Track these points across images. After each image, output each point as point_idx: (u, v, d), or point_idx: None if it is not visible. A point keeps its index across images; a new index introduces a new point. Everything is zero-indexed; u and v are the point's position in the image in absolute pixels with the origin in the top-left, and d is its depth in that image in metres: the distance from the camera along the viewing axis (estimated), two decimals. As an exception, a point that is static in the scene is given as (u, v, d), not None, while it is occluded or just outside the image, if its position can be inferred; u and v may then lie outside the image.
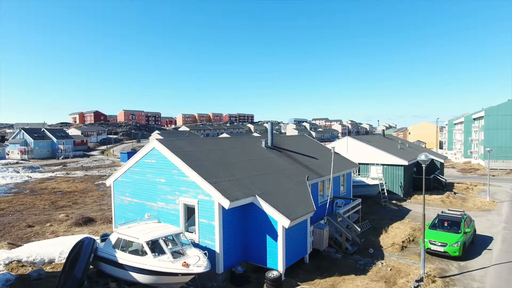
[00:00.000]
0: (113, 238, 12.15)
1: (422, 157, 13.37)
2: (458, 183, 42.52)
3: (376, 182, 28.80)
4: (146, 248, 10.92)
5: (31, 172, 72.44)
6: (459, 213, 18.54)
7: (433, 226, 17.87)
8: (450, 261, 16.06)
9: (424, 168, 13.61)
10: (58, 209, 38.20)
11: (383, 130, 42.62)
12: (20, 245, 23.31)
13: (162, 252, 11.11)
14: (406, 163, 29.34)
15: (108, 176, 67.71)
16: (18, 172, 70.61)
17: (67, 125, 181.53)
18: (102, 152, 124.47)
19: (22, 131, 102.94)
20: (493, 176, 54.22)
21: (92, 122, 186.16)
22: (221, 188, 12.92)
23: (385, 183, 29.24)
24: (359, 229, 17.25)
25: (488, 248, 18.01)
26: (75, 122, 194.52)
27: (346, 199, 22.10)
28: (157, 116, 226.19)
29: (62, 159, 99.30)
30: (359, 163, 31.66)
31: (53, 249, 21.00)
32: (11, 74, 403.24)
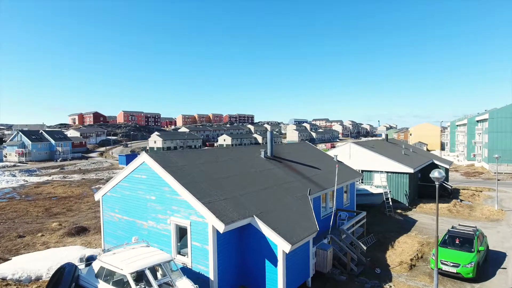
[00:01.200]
0: (95, 266, 11.05)
1: (435, 174, 12.23)
2: (464, 189, 41.35)
3: (380, 190, 27.67)
4: (130, 281, 9.80)
5: (27, 175, 71.32)
6: (471, 228, 17.39)
7: (443, 243, 16.73)
8: (464, 283, 14.92)
9: (437, 186, 12.45)
10: (52, 216, 37.08)
11: (387, 135, 41.42)
12: (8, 259, 22.21)
13: (148, 284, 9.98)
14: (411, 170, 28.20)
15: (106, 180, 66.67)
16: (14, 175, 69.50)
17: (66, 126, 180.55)
18: (101, 154, 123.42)
19: (20, 133, 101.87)
20: (498, 180, 53.03)
21: (92, 123, 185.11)
22: (216, 209, 11.79)
23: (390, 191, 28.09)
24: (364, 248, 16.11)
25: (502, 266, 16.86)
26: (75, 123, 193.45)
27: (350, 212, 20.96)
28: (156, 117, 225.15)
29: (60, 161, 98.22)
30: (362, 170, 30.58)
31: (41, 264, 19.95)
32: (10, 74, 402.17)
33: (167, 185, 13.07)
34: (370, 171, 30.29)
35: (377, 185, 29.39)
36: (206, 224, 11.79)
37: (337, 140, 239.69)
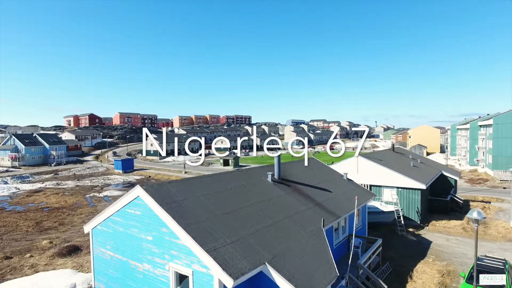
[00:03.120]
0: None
1: (474, 214, 10.65)
2: (472, 200, 39.96)
3: (391, 208, 26.15)
4: None
5: (20, 182, 69.13)
6: (500, 262, 15.85)
7: (470, 279, 15.17)
8: (498, 329, 13.34)
9: (476, 229, 10.87)
10: (43, 232, 35.18)
11: (393, 144, 39.93)
12: (-8, 288, 20.48)
13: None
14: (423, 187, 26.66)
15: (100, 187, 64.69)
16: (6, 183, 67.31)
17: (61, 128, 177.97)
18: (97, 157, 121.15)
19: (13, 137, 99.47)
20: (504, 188, 51.79)
21: (87, 125, 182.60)
22: (222, 259, 10.11)
23: (401, 209, 26.53)
24: (386, 287, 14.49)
25: (536, 305, 15.29)
26: (70, 125, 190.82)
27: (363, 238, 19.37)
28: (153, 119, 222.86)
29: (55, 166, 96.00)
30: (371, 185, 29.07)
31: (26, 296, 18.35)
32: (4, 74, 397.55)
33: (165, 225, 11.37)
34: (379, 186, 28.73)
35: (387, 202, 27.87)
36: (211, 276, 10.11)
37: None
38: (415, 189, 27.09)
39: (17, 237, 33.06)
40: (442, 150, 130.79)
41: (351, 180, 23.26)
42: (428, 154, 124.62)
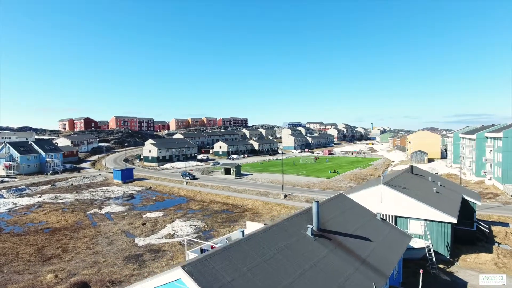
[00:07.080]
0: None
1: None
2: (490, 221, 38.79)
3: (422, 244, 24.81)
4: None
5: (16, 196, 66.63)
6: None
7: None
8: None
9: None
10: (46, 261, 33.14)
11: (411, 166, 38.52)
12: None
13: None
14: (454, 220, 25.27)
15: (101, 201, 62.42)
16: (2, 197, 64.81)
17: (56, 133, 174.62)
18: (93, 164, 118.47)
19: (8, 145, 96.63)
20: (517, 205, 50.85)
21: (83, 129, 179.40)
22: None
23: (432, 245, 25.16)
24: None
25: None
26: (65, 129, 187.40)
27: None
28: (150, 122, 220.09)
29: (51, 174, 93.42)
30: (396, 216, 27.68)
31: None
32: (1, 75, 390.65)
33: (215, 320, 9.77)
34: (405, 218, 27.32)
35: (415, 235, 26.47)
36: None
37: (333, 144, 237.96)
38: (445, 222, 25.72)
39: (19, 268, 31.02)
40: (444, 156, 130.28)
41: (384, 220, 21.83)
42: (429, 160, 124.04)
